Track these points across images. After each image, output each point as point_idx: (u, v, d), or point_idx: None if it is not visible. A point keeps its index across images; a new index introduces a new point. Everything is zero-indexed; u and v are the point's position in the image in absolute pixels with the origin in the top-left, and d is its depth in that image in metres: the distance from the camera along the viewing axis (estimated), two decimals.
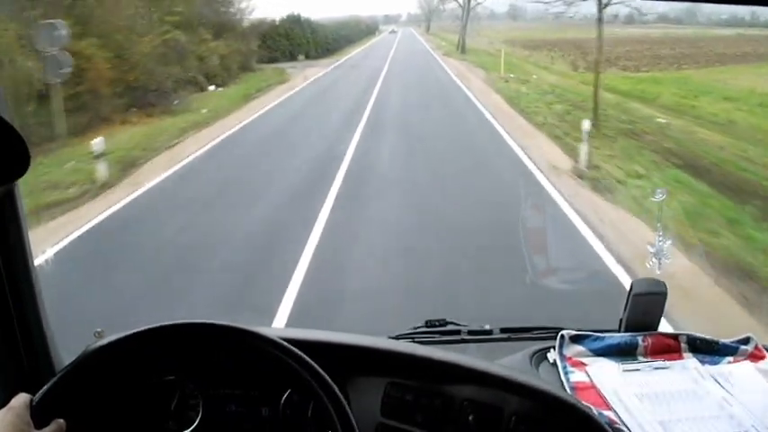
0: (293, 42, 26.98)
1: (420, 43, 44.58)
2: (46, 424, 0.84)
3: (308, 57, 27.18)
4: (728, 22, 24.69)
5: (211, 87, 16.30)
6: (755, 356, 1.27)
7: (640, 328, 1.31)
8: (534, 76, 18.27)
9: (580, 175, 7.46)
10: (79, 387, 0.92)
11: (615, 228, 5.46)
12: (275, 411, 1.06)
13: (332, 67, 24.52)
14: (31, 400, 0.86)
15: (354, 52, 34.69)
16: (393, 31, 60.93)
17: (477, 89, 16.05)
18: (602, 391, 1.18)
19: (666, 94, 14.18)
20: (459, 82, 18.09)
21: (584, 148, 7.99)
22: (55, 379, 0.91)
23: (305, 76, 20.45)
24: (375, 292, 4.39)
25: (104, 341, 0.96)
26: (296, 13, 28.31)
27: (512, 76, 18.29)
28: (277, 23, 26.79)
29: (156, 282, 4.71)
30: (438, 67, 24.32)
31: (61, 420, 0.86)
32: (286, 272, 4.69)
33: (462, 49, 31.19)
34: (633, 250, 4.62)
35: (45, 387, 0.89)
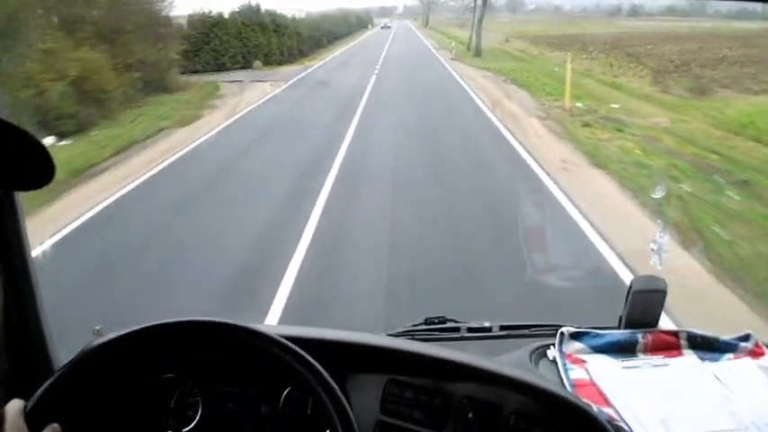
0: (247, 43, 20.38)
1: (419, 40, 35.69)
2: (41, 428, 0.84)
3: (268, 62, 20.84)
4: (739, 15, 23.79)
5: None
6: (755, 353, 1.27)
7: (640, 325, 1.31)
8: (615, 106, 10.81)
9: None
10: (77, 386, 0.92)
11: None
12: (275, 409, 1.06)
13: (292, 81, 16.76)
14: (25, 407, 0.86)
15: (333, 55, 26.30)
16: (386, 26, 51.81)
17: (552, 155, 7.80)
18: (601, 388, 1.18)
19: None
20: (500, 126, 9.86)
21: None
22: (50, 381, 0.91)
23: (236, 105, 12.54)
24: None
25: (102, 340, 0.95)
26: (253, 4, 21.35)
27: (580, 106, 10.53)
28: (226, 18, 20.08)
29: None
30: (453, 84, 15.66)
31: (56, 425, 0.85)
32: None
33: (477, 50, 24.07)
34: None
35: (40, 390, 0.89)
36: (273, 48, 21.88)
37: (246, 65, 20.08)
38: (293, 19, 25.60)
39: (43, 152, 0.74)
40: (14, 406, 0.84)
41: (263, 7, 22.34)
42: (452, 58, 22.83)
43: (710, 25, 24.86)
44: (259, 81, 16.35)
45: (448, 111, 11.76)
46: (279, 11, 23.79)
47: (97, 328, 1.06)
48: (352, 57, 25.67)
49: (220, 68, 18.97)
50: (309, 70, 20.26)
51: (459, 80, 16.46)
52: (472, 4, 27.46)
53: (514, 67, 18.75)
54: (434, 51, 27.14)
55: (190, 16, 19.38)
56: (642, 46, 21.01)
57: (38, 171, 0.74)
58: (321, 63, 23.15)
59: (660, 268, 1.44)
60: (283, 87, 15.73)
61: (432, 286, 4.24)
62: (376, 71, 18.68)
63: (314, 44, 27.85)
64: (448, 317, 1.45)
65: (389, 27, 52.44)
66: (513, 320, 1.44)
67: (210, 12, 20.08)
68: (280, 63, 21.80)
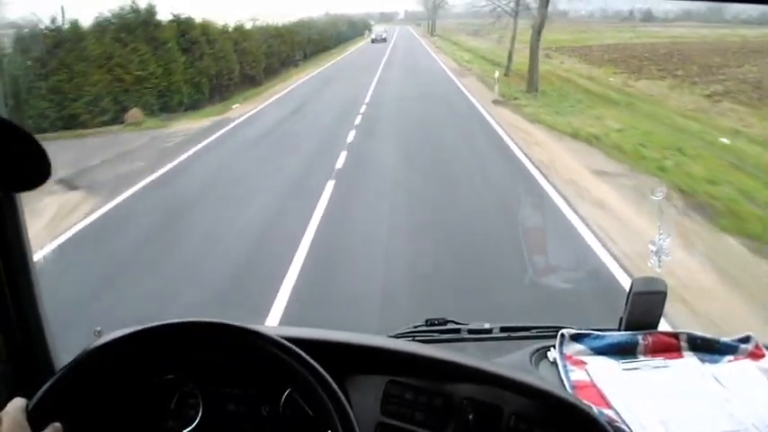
0: (125, 76, 11.47)
1: (426, 56, 25.75)
2: (43, 427, 0.84)
3: (167, 107, 12.22)
4: (759, 20, 21.95)
5: None
6: (755, 355, 1.27)
7: (640, 326, 1.31)
8: None
9: None
10: (78, 387, 0.92)
11: None
12: (275, 410, 1.06)
13: (132, 192, 7.22)
14: (27, 405, 0.86)
15: (291, 87, 16.84)
16: (379, 39, 36.85)
17: None
18: (602, 389, 1.18)
19: None
20: None
21: None
22: (52, 381, 0.91)
23: None
24: None
25: (103, 340, 0.96)
26: (145, 5, 12.30)
27: None
28: (85, 31, 11.33)
29: None
30: (568, 236, 5.26)
31: (58, 424, 0.86)
32: None
33: (532, 82, 14.00)
34: None
35: (42, 389, 0.90)
36: (177, 80, 12.46)
37: (118, 116, 11.24)
38: (237, 29, 16.71)
39: (39, 151, 0.73)
40: (17, 404, 0.84)
41: (180, 11, 13.39)
42: (496, 101, 12.79)
43: (758, 33, 20.46)
44: (67, 187, 7.23)
45: None
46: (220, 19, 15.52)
47: (98, 329, 1.06)
48: (319, 94, 15.57)
49: (69, 125, 10.54)
50: (221, 133, 10.84)
51: (558, 199, 6.41)
52: (511, 5, 17.53)
53: (627, 125, 9.99)
54: (456, 80, 17.02)
55: (17, 30, 9.88)
56: (734, 66, 15.01)
57: (33, 171, 0.73)
58: (259, 108, 13.56)
59: (659, 270, 1.44)
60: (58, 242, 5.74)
61: None
62: (348, 143, 9.27)
63: (281, 62, 19.96)
64: (449, 318, 1.45)
65: (384, 40, 36.42)
66: (514, 322, 1.44)
67: (55, 20, 10.72)
68: (192, 107, 12.83)
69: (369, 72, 19.04)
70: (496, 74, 14.70)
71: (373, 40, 37.16)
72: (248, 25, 17.88)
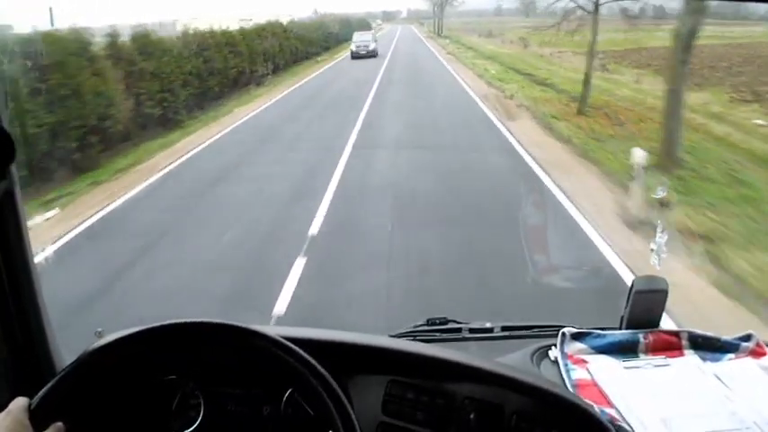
0: None
1: (441, 71, 18.67)
2: (45, 427, 0.85)
3: None
4: None
5: None
6: (757, 353, 1.27)
7: (642, 325, 1.31)
8: None
9: None
10: (79, 387, 0.93)
11: None
12: (276, 410, 1.06)
13: None
14: (30, 404, 0.86)
15: (186, 155, 8.87)
16: (362, 51, 24.67)
17: None
18: (603, 388, 1.18)
19: None
20: None
21: None
22: (54, 380, 0.91)
23: None
24: None
25: (104, 341, 0.96)
26: None
27: None
28: None
29: None
30: None
31: (60, 423, 0.86)
32: None
33: (672, 148, 7.43)
34: None
35: (44, 389, 0.90)
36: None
37: None
38: (136, 39, 10.57)
39: (3, 135, 0.73)
40: (19, 404, 0.85)
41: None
42: (637, 223, 5.33)
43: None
44: None
45: None
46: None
47: (99, 330, 1.07)
48: (248, 170, 8.36)
49: None
50: None
51: None
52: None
53: None
54: (502, 129, 10.29)
55: None
56: None
57: None
58: (86, 225, 6.39)
59: (659, 269, 1.44)
60: None
61: None
62: None
63: (234, 81, 15.40)
64: (450, 317, 1.45)
65: (374, 52, 24.86)
66: (515, 321, 1.44)
67: None
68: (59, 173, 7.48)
69: (353, 100, 13.12)
70: (639, 156, 6.66)
71: (354, 55, 24.40)
72: (177, 29, 11.63)
